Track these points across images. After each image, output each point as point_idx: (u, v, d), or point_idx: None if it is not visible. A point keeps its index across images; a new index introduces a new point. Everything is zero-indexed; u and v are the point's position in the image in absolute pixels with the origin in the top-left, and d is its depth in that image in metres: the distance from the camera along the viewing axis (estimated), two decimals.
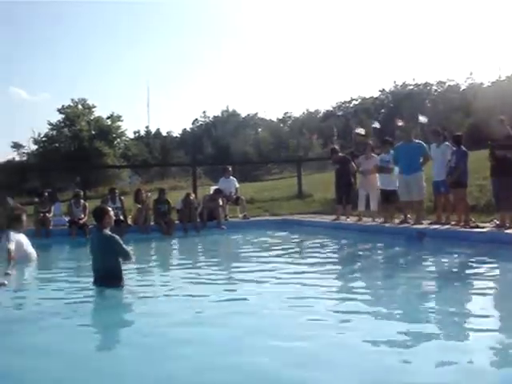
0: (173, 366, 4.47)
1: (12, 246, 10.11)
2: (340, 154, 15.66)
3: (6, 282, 7.55)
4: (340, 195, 15.21)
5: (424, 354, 4.54)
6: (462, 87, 73.01)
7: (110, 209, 8.05)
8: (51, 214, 15.51)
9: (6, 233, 10.64)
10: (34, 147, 57.83)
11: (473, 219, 11.54)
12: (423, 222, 12.44)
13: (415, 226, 12.11)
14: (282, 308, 6.27)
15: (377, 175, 14.13)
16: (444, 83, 76.98)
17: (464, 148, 11.62)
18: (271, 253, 11.37)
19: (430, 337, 5.02)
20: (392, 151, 13.60)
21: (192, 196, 16.48)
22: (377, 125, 22.14)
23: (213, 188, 17.63)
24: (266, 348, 4.80)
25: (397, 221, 13.20)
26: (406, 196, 12.81)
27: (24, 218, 11.17)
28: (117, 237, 7.52)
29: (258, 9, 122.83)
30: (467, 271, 8.66)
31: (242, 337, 5.18)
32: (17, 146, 59.78)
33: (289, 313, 6.08)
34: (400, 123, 16.31)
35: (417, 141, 12.96)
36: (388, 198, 13.53)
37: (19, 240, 10.53)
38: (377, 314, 5.96)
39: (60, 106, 56.84)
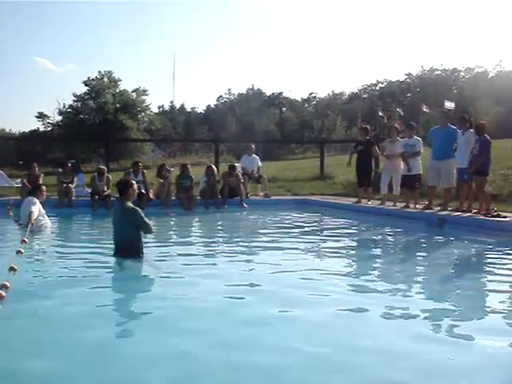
0: (182, 340, 4.50)
1: (36, 210, 10.16)
2: (367, 137, 15.47)
3: (22, 250, 7.54)
4: (361, 178, 15.17)
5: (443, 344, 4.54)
6: (491, 75, 72.16)
7: (133, 182, 8.12)
8: (74, 185, 15.71)
9: (29, 198, 10.72)
10: (59, 118, 58.14)
11: (495, 208, 11.46)
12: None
13: (439, 213, 12.04)
14: (296, 288, 6.30)
15: (401, 159, 14.01)
16: (472, 70, 76.01)
17: (487, 136, 11.49)
18: (290, 232, 11.37)
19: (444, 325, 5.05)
20: (415, 136, 13.61)
21: (213, 167, 16.67)
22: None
23: (236, 165, 17.55)
24: (286, 320, 4.93)
25: (412, 206, 13.17)
26: (435, 181, 12.73)
27: (44, 187, 11.27)
28: (139, 209, 7.62)
29: None
30: (484, 260, 8.64)
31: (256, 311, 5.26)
32: (42, 116, 60.05)
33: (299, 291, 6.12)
34: (425, 109, 16.10)
35: (452, 126, 12.68)
36: (410, 182, 13.47)
37: (41, 208, 10.63)
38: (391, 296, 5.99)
39: (86, 78, 57.11)
